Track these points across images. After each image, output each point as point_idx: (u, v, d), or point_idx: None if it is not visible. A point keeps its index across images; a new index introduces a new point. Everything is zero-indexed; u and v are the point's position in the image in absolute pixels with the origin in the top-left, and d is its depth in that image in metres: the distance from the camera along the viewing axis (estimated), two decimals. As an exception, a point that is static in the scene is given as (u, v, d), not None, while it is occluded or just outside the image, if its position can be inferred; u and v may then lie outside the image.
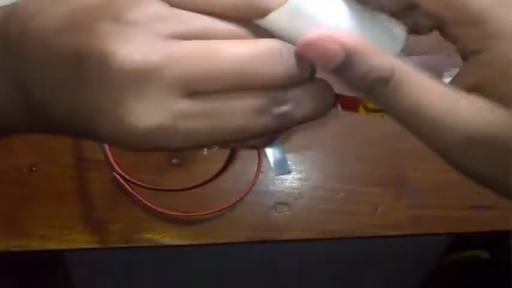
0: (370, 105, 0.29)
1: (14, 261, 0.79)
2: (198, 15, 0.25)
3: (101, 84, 0.24)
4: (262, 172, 0.60)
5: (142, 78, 0.23)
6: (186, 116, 0.24)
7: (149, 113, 0.24)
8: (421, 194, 0.59)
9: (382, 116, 0.29)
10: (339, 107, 0.30)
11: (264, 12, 0.26)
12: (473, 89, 0.25)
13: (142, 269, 1.18)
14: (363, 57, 0.24)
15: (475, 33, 0.25)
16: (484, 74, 0.25)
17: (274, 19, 0.26)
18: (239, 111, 0.25)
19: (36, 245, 0.57)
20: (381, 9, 0.28)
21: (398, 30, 0.29)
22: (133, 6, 0.24)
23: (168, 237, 0.58)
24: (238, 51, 0.24)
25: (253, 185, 0.58)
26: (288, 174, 0.60)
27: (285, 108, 0.26)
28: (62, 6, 0.25)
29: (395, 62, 0.25)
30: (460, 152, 0.25)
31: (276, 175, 0.60)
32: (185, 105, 0.24)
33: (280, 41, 0.26)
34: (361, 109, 0.30)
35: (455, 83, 0.26)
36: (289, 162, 0.60)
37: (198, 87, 0.24)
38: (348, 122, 0.61)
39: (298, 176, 0.60)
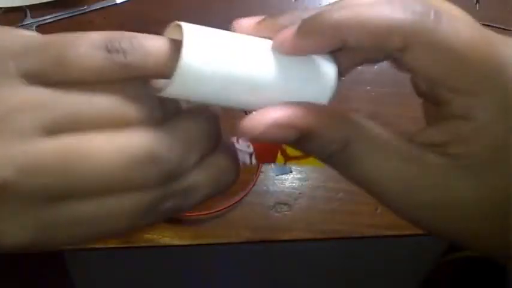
0: (290, 152, 0.27)
1: (14, 261, 0.79)
2: (68, 94, 0.21)
3: None
4: (262, 172, 0.60)
5: None
6: (57, 223, 0.22)
7: (13, 231, 0.21)
8: (421, 194, 0.59)
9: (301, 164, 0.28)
10: (254, 161, 0.27)
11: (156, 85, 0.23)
12: (441, 144, 0.23)
13: (142, 269, 1.18)
14: (316, 133, 0.23)
15: (468, 103, 0.22)
16: (461, 139, 0.23)
17: (174, 90, 0.22)
18: (118, 215, 0.22)
19: (36, 245, 0.57)
20: None
21: (329, 69, 0.24)
22: None
23: (168, 237, 0.58)
24: (108, 155, 0.21)
25: (254, 185, 0.58)
26: (288, 174, 0.60)
27: (174, 201, 0.23)
28: None
29: (350, 129, 0.23)
30: (426, 221, 0.24)
31: (276, 175, 0.60)
32: (53, 213, 0.21)
33: (159, 132, 0.22)
34: (279, 158, 0.27)
35: (426, 133, 0.24)
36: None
37: (65, 195, 0.21)
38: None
39: (298, 176, 0.60)
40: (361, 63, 0.26)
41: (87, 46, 0.21)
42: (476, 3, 0.67)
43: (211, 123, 0.24)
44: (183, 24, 0.22)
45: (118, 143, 0.21)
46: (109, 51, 0.21)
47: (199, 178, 0.24)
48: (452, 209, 0.23)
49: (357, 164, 0.23)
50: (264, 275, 1.21)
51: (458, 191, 0.23)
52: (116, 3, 0.69)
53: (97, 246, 0.57)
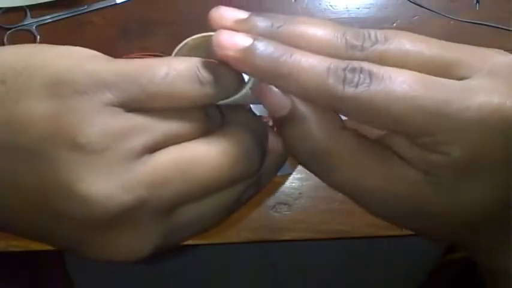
0: None
1: (14, 261, 0.79)
2: (156, 116, 0.23)
3: (80, 226, 0.22)
4: (262, 172, 0.59)
5: (129, 215, 0.22)
6: (177, 228, 0.24)
7: (141, 245, 0.23)
8: (421, 194, 0.59)
9: None
10: None
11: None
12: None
13: (141, 270, 1.18)
14: (303, 119, 0.24)
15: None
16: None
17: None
18: (223, 207, 0.25)
19: (35, 245, 0.57)
20: None
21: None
22: (86, 124, 0.21)
23: (168, 237, 0.58)
24: (215, 156, 0.23)
25: (253, 185, 0.58)
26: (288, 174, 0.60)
27: (252, 189, 0.27)
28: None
29: (328, 141, 0.24)
30: (404, 224, 0.26)
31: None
32: (174, 220, 0.24)
33: (242, 131, 0.25)
34: None
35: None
36: (289, 162, 0.60)
37: (185, 200, 0.24)
38: (349, 122, 0.61)
39: (299, 176, 0.60)
40: None
41: (182, 79, 0.23)
42: (476, 3, 0.67)
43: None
44: None
45: (217, 147, 0.24)
46: (201, 83, 0.23)
47: (265, 166, 0.26)
48: (429, 219, 0.24)
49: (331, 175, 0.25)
50: (264, 275, 1.21)
51: (431, 204, 0.23)
52: (116, 3, 0.69)
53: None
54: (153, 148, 0.23)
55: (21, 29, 0.67)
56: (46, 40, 0.67)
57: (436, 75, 0.22)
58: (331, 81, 0.22)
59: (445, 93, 0.21)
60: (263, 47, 0.22)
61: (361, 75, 0.22)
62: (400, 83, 0.21)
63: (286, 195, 0.59)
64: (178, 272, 1.19)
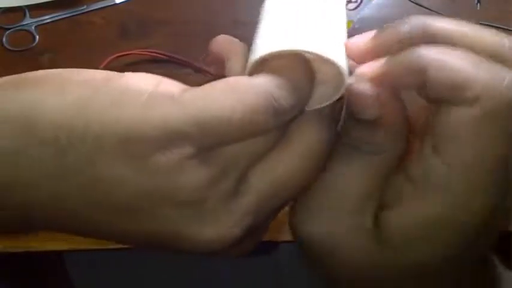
0: None
1: (13, 262, 0.79)
2: (234, 147, 0.22)
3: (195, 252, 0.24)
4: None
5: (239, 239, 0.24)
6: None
7: (246, 249, 0.26)
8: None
9: None
10: None
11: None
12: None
13: (142, 270, 1.18)
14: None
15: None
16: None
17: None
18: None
19: (34, 246, 0.57)
20: None
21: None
22: (179, 184, 0.21)
23: (168, 238, 0.58)
24: (299, 171, 0.24)
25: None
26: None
27: None
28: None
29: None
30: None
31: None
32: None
33: (316, 124, 0.24)
34: None
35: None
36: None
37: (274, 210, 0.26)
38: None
39: (298, 176, 0.60)
40: None
41: (260, 117, 0.22)
42: (477, 3, 0.66)
43: None
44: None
45: (300, 155, 0.24)
46: (280, 114, 0.22)
47: None
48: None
49: None
50: (264, 276, 1.21)
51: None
52: (115, 3, 0.69)
53: (97, 247, 0.57)
54: (244, 177, 0.23)
55: (20, 29, 0.67)
56: (45, 40, 0.67)
57: None
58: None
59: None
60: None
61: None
62: None
63: (286, 195, 0.59)
64: (178, 273, 1.19)
